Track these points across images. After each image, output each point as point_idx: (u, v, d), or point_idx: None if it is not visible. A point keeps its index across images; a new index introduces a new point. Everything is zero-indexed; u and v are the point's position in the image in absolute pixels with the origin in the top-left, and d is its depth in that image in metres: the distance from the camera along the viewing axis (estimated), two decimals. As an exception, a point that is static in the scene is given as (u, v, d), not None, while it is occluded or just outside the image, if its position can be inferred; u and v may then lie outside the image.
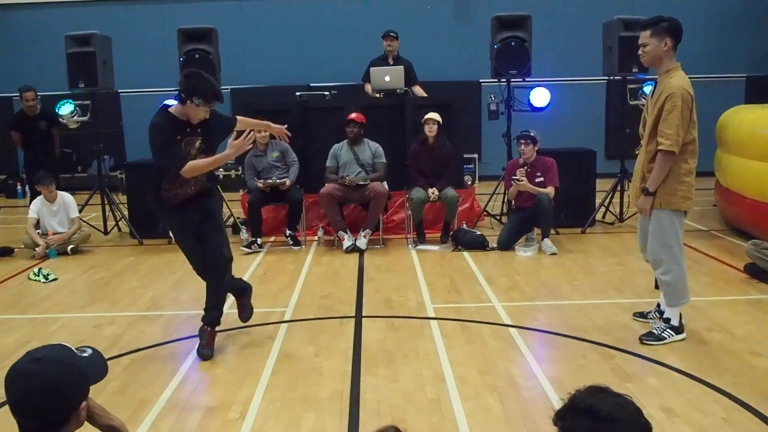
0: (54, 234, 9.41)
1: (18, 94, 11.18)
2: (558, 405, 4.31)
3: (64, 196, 9.68)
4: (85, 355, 2.45)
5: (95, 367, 2.46)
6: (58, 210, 9.57)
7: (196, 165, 5.52)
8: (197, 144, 5.67)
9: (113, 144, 14.79)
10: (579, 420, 2.03)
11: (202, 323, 5.89)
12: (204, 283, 5.98)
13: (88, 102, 10.50)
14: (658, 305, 6.03)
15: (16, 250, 9.66)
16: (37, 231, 9.46)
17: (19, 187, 15.37)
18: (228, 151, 5.52)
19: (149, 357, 5.77)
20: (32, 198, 10.42)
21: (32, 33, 15.71)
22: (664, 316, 5.74)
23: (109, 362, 5.32)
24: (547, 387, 4.82)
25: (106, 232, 10.59)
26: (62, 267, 8.80)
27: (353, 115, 9.50)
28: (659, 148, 5.39)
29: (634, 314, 6.27)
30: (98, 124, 10.63)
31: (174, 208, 5.75)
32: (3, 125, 12.21)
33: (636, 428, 2.02)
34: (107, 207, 10.54)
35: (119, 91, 14.58)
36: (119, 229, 10.67)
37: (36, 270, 8.37)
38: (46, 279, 8.19)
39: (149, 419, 4.56)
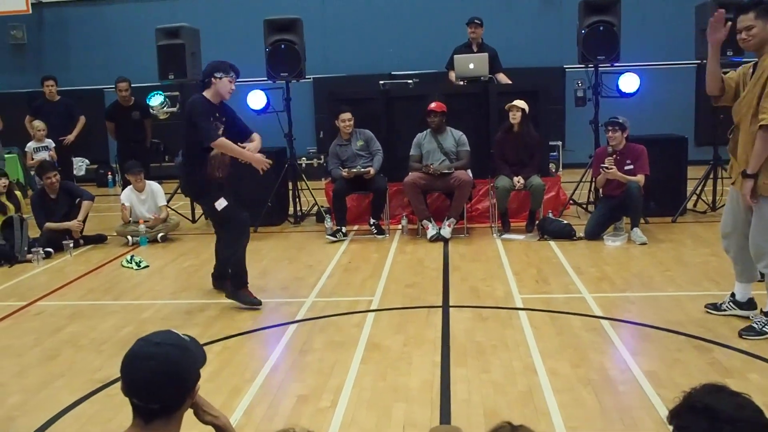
0: (144, 222, 9.62)
1: (111, 86, 11.46)
2: (655, 400, 4.25)
3: (152, 185, 9.90)
4: (188, 340, 2.49)
5: (199, 352, 2.51)
6: (146, 199, 9.79)
7: (225, 143, 6.37)
8: (220, 130, 6.47)
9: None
10: (696, 420, 1.95)
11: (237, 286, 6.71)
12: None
13: (176, 93, 10.71)
14: (733, 295, 5.85)
15: (108, 237, 9.92)
16: (129, 219, 9.71)
17: (110, 176, 15.78)
18: (254, 155, 6.48)
19: (240, 344, 5.86)
20: (123, 187, 10.69)
21: (124, 26, 16.08)
22: (764, 310, 5.55)
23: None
24: (643, 381, 4.71)
25: (193, 221, 10.77)
26: (153, 254, 8.99)
27: (433, 105, 9.45)
28: (760, 123, 5.12)
29: (706, 306, 6.08)
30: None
31: (217, 191, 6.55)
32: (95, 116, 12.53)
33: (757, 429, 1.94)
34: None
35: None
36: (206, 218, 10.84)
37: (128, 257, 8.58)
38: (138, 266, 8.39)
39: (242, 406, 4.62)
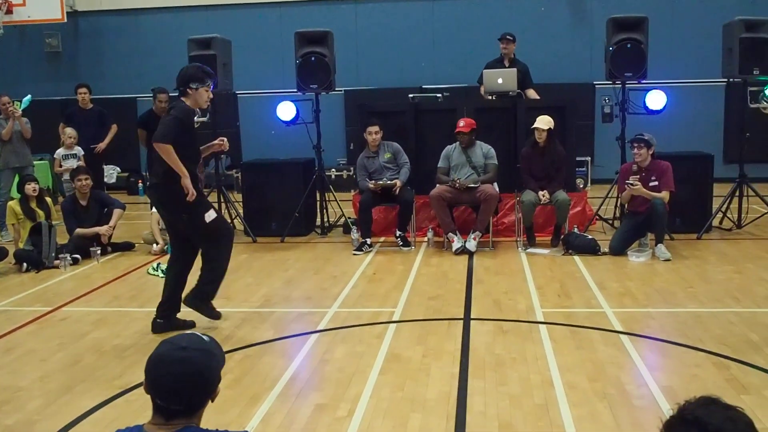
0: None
1: (143, 95, 11.59)
2: (669, 415, 4.24)
3: (183, 193, 9.98)
4: (207, 340, 2.54)
5: (220, 353, 2.56)
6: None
7: (170, 151, 5.99)
8: None
9: (230, 144, 15.09)
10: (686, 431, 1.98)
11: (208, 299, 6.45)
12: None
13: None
14: None
15: (136, 245, 10.04)
16: (159, 227, 9.81)
17: (140, 184, 15.96)
18: (183, 181, 6.07)
19: (261, 352, 5.91)
20: (153, 196, 10.83)
21: (157, 36, 16.34)
22: None
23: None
24: (659, 397, 4.71)
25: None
26: (180, 263, 9.08)
27: (462, 124, 9.48)
28: None
29: None
30: (216, 124, 10.93)
31: (204, 201, 6.40)
32: (127, 124, 12.69)
33: None
34: (223, 205, 10.83)
35: (236, 92, 14.97)
36: (234, 227, 10.93)
37: (155, 265, 8.70)
38: (164, 274, 8.44)
39: (260, 413, 4.67)
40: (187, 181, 6.05)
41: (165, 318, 6.50)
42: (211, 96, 6.38)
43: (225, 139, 6.65)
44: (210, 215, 6.28)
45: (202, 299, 6.45)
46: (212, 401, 2.48)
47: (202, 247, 6.47)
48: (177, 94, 6.26)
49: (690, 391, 4.74)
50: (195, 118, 10.46)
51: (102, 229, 9.52)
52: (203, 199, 6.38)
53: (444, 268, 8.55)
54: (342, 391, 5.01)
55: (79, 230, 9.43)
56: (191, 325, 6.52)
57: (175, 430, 2.37)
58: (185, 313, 6.55)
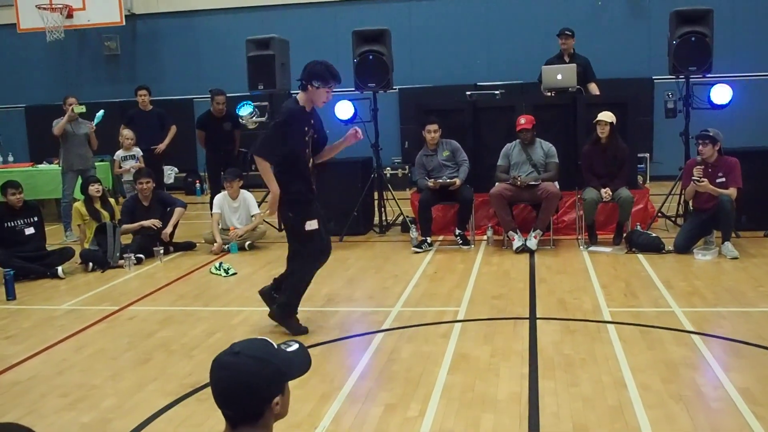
0: (234, 229, 9.81)
1: (201, 96, 11.70)
2: (749, 418, 4.16)
3: (245, 194, 10.07)
4: (290, 349, 2.51)
5: (298, 361, 2.52)
6: (239, 207, 9.96)
7: (266, 168, 6.02)
8: (307, 137, 6.25)
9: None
10: None
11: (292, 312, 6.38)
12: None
13: (266, 103, 10.90)
14: None
15: (197, 244, 10.15)
16: (219, 227, 9.91)
17: (198, 184, 16.13)
18: (271, 198, 6.12)
19: (328, 352, 5.92)
20: (212, 196, 10.92)
21: (214, 37, 16.48)
22: None
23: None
24: (737, 398, 4.60)
25: (280, 229, 10.88)
26: (241, 262, 9.15)
27: (522, 122, 9.39)
28: None
29: None
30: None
31: (312, 208, 6.23)
32: (184, 125, 12.82)
33: None
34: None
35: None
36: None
37: (217, 264, 8.77)
38: (227, 273, 8.55)
39: (331, 413, 4.67)
40: (275, 198, 6.08)
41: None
42: (330, 98, 6.22)
43: (358, 129, 6.38)
44: (311, 224, 6.17)
45: (287, 313, 6.39)
46: (281, 408, 2.41)
47: (290, 250, 6.47)
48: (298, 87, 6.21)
49: (769, 393, 4.65)
50: (254, 118, 10.67)
51: (148, 223, 9.60)
52: (311, 207, 6.25)
53: (505, 266, 8.49)
54: (411, 391, 4.98)
55: (126, 226, 9.55)
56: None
57: None
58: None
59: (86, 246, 9.28)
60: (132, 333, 6.56)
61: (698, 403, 4.60)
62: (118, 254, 9.13)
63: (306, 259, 6.31)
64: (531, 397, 4.79)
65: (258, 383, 2.36)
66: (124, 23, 16.32)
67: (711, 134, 8.60)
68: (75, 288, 8.31)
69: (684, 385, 4.89)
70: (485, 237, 9.75)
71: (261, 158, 6.01)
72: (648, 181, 13.77)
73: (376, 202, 10.92)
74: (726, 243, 8.47)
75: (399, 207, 10.91)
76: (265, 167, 6.01)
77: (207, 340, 6.26)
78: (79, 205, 9.53)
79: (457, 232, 9.60)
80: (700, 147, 8.61)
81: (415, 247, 9.41)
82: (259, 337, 2.50)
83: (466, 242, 9.53)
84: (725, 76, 11.13)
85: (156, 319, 6.95)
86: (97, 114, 11.18)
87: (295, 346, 2.52)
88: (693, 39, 9.57)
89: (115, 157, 11.61)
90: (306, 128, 6.18)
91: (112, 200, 9.93)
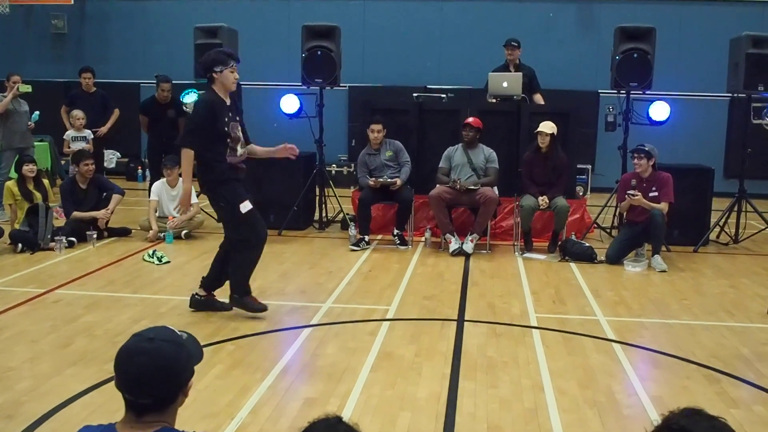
0: (173, 219, 9.72)
1: (147, 81, 11.58)
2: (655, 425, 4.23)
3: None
4: (185, 337, 2.52)
5: (196, 348, 2.53)
6: (177, 195, 9.84)
7: (188, 156, 6.17)
8: (237, 128, 6.40)
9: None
10: None
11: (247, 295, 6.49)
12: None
13: (210, 92, 10.79)
14: None
15: (132, 231, 10.03)
16: (156, 215, 9.81)
17: (139, 170, 15.94)
18: (185, 193, 6.51)
19: (253, 344, 5.91)
20: (151, 182, 10.82)
21: (164, 23, 16.31)
22: None
23: (214, 347, 5.54)
24: (648, 406, 4.71)
25: (219, 220, 10.84)
26: (175, 251, 9.09)
27: (470, 120, 9.50)
28: None
29: None
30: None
31: (241, 189, 6.33)
32: (129, 110, 12.67)
33: None
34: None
35: (240, 83, 14.92)
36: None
37: (150, 252, 8.68)
38: (160, 261, 8.48)
39: (250, 404, 4.67)
40: (187, 191, 6.40)
41: (206, 292, 6.70)
42: (237, 77, 6.38)
43: (295, 147, 6.64)
44: (245, 206, 6.30)
45: (241, 294, 6.49)
46: (185, 396, 2.42)
47: (231, 237, 6.53)
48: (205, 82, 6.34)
49: (679, 402, 4.67)
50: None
51: (100, 214, 9.51)
52: (241, 190, 6.35)
53: (440, 268, 8.55)
54: (332, 387, 5.01)
55: (76, 213, 9.40)
56: (228, 308, 6.58)
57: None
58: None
59: (16, 226, 9.11)
60: (56, 316, 6.45)
61: (611, 409, 4.69)
62: (49, 236, 8.97)
63: (246, 246, 6.42)
64: (450, 397, 4.84)
65: (177, 367, 2.36)
66: (72, 2, 16.12)
67: (647, 149, 8.77)
68: (1, 268, 8.13)
69: (599, 391, 4.98)
70: (423, 238, 9.82)
71: (185, 147, 6.16)
72: (589, 192, 13.98)
73: (317, 198, 10.89)
74: (656, 256, 8.64)
75: (339, 204, 10.92)
76: (188, 157, 6.15)
77: (132, 327, 6.16)
78: (11, 185, 9.36)
79: (396, 232, 9.64)
80: (636, 160, 8.79)
81: (352, 244, 9.43)
82: (159, 326, 2.48)
83: (403, 242, 9.57)
84: (665, 93, 11.34)
85: (82, 303, 6.85)
86: (34, 114, 11.20)
87: (185, 335, 2.51)
88: (635, 55, 9.75)
89: (65, 137, 11.38)
90: (226, 117, 6.26)
91: (46, 181, 9.77)
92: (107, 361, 5.37)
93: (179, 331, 2.48)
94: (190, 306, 6.68)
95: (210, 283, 6.71)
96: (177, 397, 2.39)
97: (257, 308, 6.50)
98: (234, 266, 6.50)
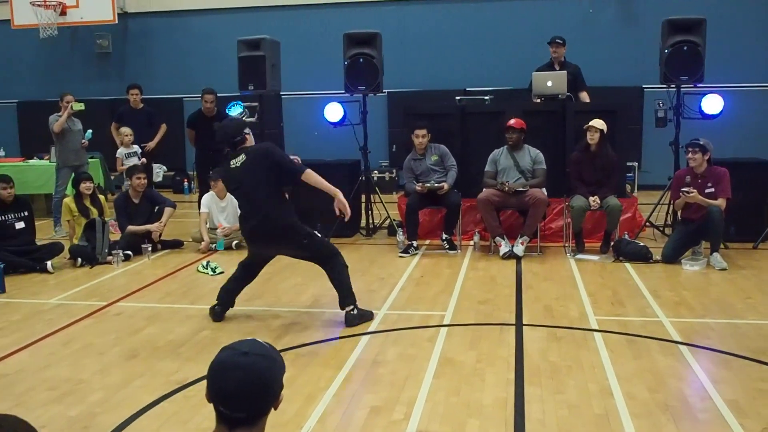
0: (223, 227, 9.81)
1: (191, 95, 11.66)
2: (737, 430, 4.14)
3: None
4: (269, 347, 2.50)
5: (282, 360, 2.52)
6: (226, 206, 9.94)
7: (312, 173, 6.39)
8: None
9: (276, 143, 15.22)
10: None
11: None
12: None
13: (256, 104, 10.88)
14: None
15: (185, 242, 10.12)
16: (207, 226, 9.89)
17: (186, 183, 16.08)
18: (339, 195, 6.47)
19: (313, 353, 5.90)
20: (200, 195, 10.88)
21: (206, 37, 16.45)
22: None
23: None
24: (724, 410, 4.59)
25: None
26: (227, 261, 9.10)
27: (512, 121, 9.42)
28: None
29: None
30: (263, 125, 10.96)
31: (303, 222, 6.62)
32: (174, 124, 12.77)
33: None
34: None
35: (281, 93, 14.99)
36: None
37: (204, 263, 8.75)
38: (213, 272, 8.53)
39: (317, 413, 4.66)
40: (337, 192, 6.48)
41: (222, 306, 6.82)
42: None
43: (348, 209, 6.62)
44: (316, 231, 6.63)
45: (352, 304, 6.65)
46: (275, 409, 2.43)
47: (321, 257, 6.74)
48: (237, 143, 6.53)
49: (757, 406, 4.65)
50: (244, 118, 10.64)
51: (154, 227, 9.67)
52: (301, 222, 6.61)
53: (492, 272, 8.48)
54: (396, 394, 4.97)
55: (131, 227, 9.56)
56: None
57: None
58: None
59: (75, 241, 9.32)
60: (119, 329, 6.54)
61: (685, 414, 4.59)
62: (106, 250, 9.13)
63: (337, 261, 6.69)
64: (517, 404, 4.78)
65: (271, 381, 2.38)
66: (116, 21, 16.34)
67: (701, 143, 8.59)
68: (63, 283, 8.30)
69: (671, 395, 4.88)
70: (472, 242, 9.76)
71: (305, 172, 6.36)
72: (636, 190, 13.82)
73: (363, 205, 10.88)
74: (714, 254, 8.47)
75: (386, 210, 10.90)
76: (314, 175, 6.37)
77: (193, 338, 6.24)
78: (68, 201, 9.55)
79: (444, 236, 9.59)
80: (690, 155, 8.60)
81: (402, 251, 9.39)
82: (247, 339, 2.48)
83: (452, 247, 9.52)
84: (717, 86, 11.12)
85: (143, 315, 6.93)
86: (87, 132, 11.37)
87: (269, 347, 2.50)
88: (685, 48, 9.56)
89: (117, 155, 11.50)
90: None
91: (102, 197, 9.91)
92: (173, 372, 5.44)
93: (263, 341, 2.48)
94: (210, 315, 6.82)
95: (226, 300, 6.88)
96: (269, 410, 2.40)
97: (368, 315, 6.75)
98: (337, 280, 6.67)
